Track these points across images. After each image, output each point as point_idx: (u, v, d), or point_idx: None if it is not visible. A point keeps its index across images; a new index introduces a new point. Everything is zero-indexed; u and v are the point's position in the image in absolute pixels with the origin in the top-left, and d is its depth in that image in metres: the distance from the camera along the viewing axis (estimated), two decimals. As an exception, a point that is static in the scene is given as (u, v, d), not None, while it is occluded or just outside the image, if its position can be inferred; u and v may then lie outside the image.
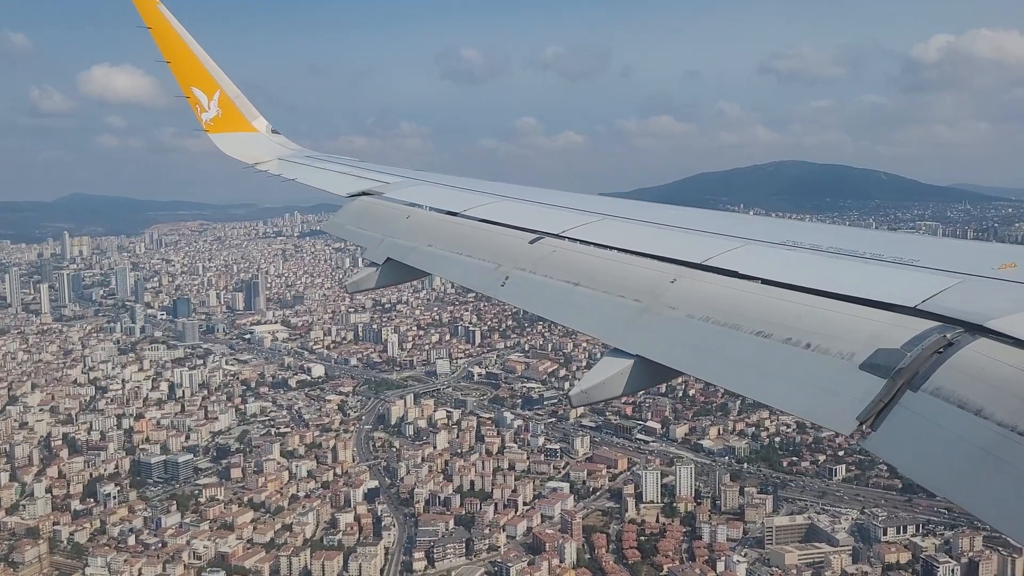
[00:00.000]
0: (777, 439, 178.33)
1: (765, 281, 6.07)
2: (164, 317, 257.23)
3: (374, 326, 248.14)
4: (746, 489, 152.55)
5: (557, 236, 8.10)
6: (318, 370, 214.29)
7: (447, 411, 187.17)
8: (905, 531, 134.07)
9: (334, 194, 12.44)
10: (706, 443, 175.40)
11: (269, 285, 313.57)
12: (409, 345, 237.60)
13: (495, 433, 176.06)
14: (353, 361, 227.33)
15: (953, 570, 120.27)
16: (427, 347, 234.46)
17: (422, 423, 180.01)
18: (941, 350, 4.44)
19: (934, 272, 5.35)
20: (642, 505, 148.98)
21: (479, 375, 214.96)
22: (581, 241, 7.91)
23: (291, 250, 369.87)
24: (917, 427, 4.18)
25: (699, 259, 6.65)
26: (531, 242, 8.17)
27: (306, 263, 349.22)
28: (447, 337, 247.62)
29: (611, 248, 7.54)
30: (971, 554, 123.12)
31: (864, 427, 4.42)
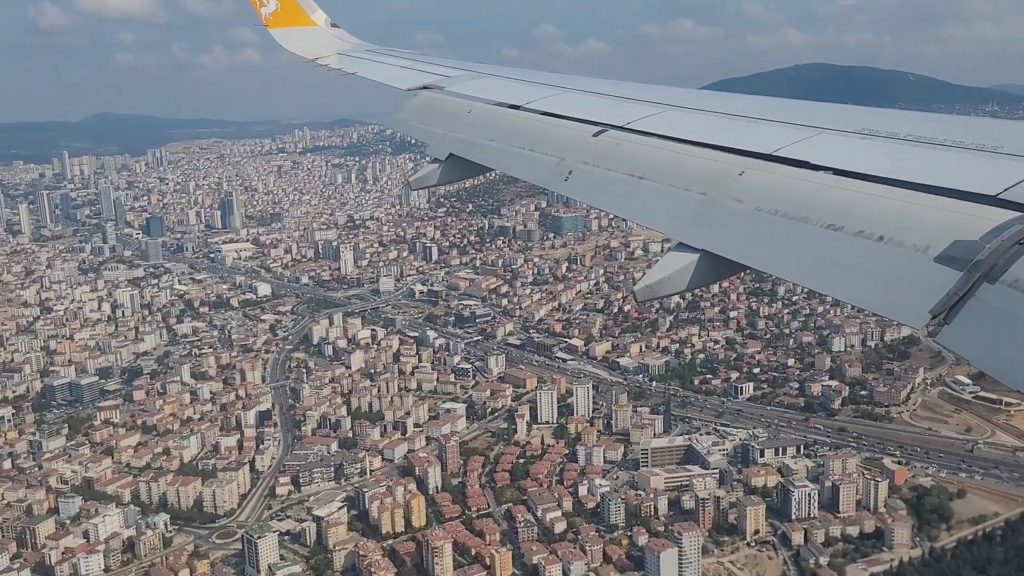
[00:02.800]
0: (701, 356, 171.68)
1: (837, 172, 5.70)
2: (138, 236, 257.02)
3: (335, 243, 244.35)
4: (640, 409, 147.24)
5: (621, 128, 7.84)
6: (265, 289, 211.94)
7: (372, 330, 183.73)
8: (784, 453, 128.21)
9: (395, 87, 12.21)
10: (624, 361, 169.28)
11: (255, 202, 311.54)
12: (365, 262, 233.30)
13: (413, 353, 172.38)
14: (304, 279, 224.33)
15: (810, 494, 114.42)
16: (381, 265, 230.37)
17: (342, 343, 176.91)
18: (1023, 241, 4.18)
19: (1019, 159, 4.98)
20: (536, 427, 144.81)
21: (421, 293, 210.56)
22: (646, 133, 7.62)
23: (288, 167, 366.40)
24: (993, 320, 3.97)
25: (768, 149, 6.35)
26: (595, 135, 7.94)
27: (299, 179, 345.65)
28: (405, 254, 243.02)
29: (677, 140, 7.26)
30: (836, 478, 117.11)
31: (937, 321, 4.17)
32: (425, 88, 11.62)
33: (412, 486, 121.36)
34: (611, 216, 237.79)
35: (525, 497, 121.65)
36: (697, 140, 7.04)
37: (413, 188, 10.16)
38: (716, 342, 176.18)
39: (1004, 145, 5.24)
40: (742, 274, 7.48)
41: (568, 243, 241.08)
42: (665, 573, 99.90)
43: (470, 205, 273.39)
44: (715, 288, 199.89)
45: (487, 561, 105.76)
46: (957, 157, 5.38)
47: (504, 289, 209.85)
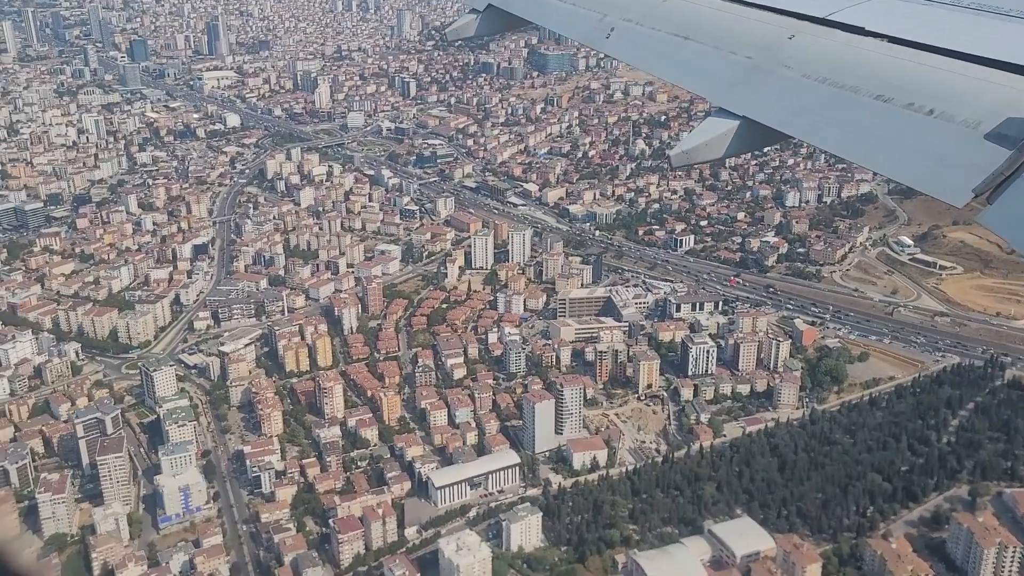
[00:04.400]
0: (656, 206, 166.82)
1: (893, 39, 5.53)
2: (122, 60, 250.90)
3: (314, 75, 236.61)
4: (572, 258, 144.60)
5: None
6: (234, 120, 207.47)
7: (328, 167, 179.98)
8: (701, 308, 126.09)
9: None
10: (574, 208, 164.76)
11: (248, 28, 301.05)
12: (341, 96, 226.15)
13: (365, 192, 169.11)
14: (277, 111, 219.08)
15: (709, 351, 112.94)
16: (357, 99, 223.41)
17: (295, 179, 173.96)
18: None
19: None
20: (468, 272, 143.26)
21: (388, 130, 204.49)
22: None
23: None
24: None
25: (822, 13, 6.17)
26: None
27: (298, 5, 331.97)
28: (383, 88, 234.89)
29: None
30: (740, 336, 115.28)
31: (979, 200, 4.09)
32: None
33: (323, 326, 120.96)
34: (600, 56, 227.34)
35: (435, 343, 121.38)
36: (746, 0, 6.84)
37: (449, 39, 9.23)
38: (674, 192, 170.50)
39: None
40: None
41: (549, 83, 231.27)
42: (541, 424, 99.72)
43: (459, 39, 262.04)
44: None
45: (377, 403, 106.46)
46: (1022, 28, 5.01)
47: (472, 129, 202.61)
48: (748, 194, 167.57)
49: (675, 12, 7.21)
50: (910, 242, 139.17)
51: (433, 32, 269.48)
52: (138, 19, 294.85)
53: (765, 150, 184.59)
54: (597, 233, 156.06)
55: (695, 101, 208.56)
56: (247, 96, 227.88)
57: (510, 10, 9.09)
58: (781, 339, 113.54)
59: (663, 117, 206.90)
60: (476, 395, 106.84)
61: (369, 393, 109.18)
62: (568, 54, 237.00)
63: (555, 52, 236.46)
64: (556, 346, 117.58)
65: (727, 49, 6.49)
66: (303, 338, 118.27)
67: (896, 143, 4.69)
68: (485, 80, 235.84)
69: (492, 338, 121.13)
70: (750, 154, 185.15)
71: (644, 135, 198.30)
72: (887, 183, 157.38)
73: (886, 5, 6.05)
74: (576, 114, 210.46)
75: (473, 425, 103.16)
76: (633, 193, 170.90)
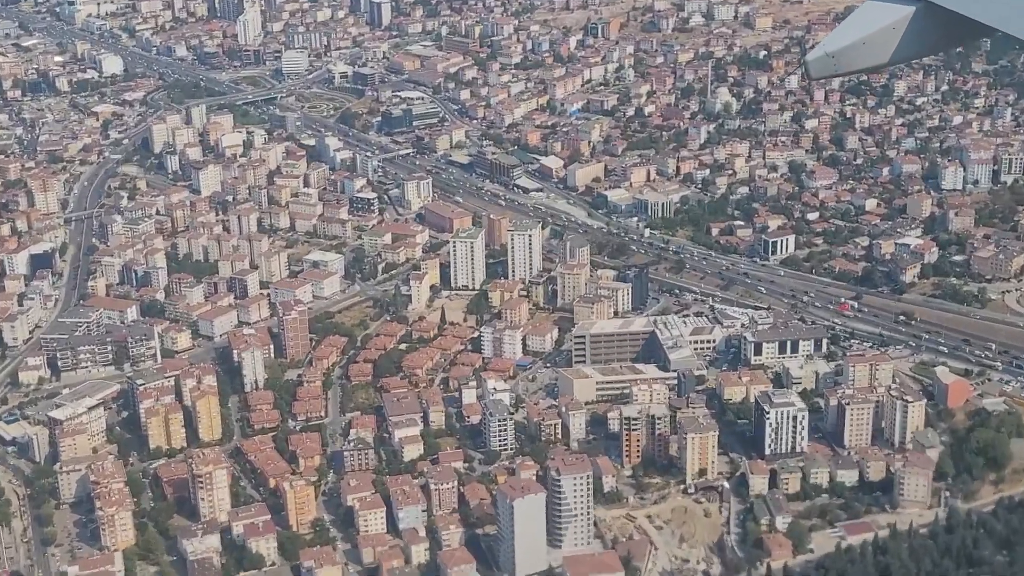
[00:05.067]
0: (742, 189, 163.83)
1: None
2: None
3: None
4: (602, 272, 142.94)
5: None
6: (115, 65, 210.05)
7: (248, 134, 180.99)
8: (794, 350, 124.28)
9: None
10: (615, 194, 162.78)
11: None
12: (278, 27, 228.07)
13: (298, 172, 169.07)
14: (180, 51, 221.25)
15: (797, 417, 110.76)
16: (302, 30, 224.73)
17: (195, 152, 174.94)
18: None
19: None
20: (446, 293, 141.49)
21: (344, 77, 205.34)
22: None
23: None
24: None
25: None
26: None
27: None
28: (342, 14, 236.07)
29: None
30: (846, 395, 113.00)
31: None
32: None
33: (211, 380, 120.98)
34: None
35: (381, 404, 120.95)
36: None
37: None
38: (773, 168, 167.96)
39: None
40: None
41: (591, 1, 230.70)
42: (525, 532, 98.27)
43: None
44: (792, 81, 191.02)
45: (281, 498, 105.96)
46: None
47: (471, 75, 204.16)
48: (886, 170, 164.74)
49: None
50: None
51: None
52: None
53: (919, 100, 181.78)
54: (648, 233, 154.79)
55: (812, 27, 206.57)
56: (138, 29, 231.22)
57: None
58: (912, 398, 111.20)
59: (763, 53, 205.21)
60: (433, 486, 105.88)
61: (272, 483, 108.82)
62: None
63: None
64: (564, 408, 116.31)
65: None
66: (179, 398, 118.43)
67: None
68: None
69: (468, 397, 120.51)
70: (895, 107, 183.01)
71: (732, 81, 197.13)
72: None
73: None
74: (630, 50, 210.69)
75: (423, 534, 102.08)
76: (708, 171, 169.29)
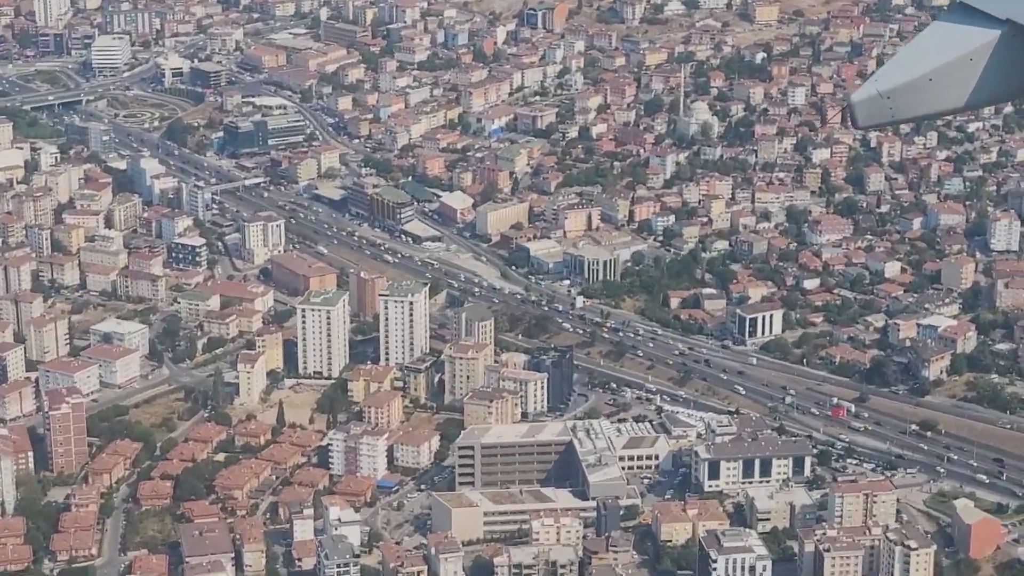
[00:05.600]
0: (720, 245, 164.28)
1: None
2: None
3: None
4: (509, 356, 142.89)
5: None
6: None
7: (34, 151, 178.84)
8: (765, 472, 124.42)
9: None
10: (541, 248, 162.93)
11: None
12: (94, 2, 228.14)
13: (96, 207, 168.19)
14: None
15: (756, 569, 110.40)
16: (125, 7, 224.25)
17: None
18: None
19: None
20: (291, 381, 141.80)
21: (177, 74, 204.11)
22: None
23: None
24: None
25: None
26: None
27: None
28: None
29: None
30: (826, 537, 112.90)
31: None
32: None
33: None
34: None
35: (178, 539, 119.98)
36: None
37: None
38: (765, 215, 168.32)
39: None
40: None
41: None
42: None
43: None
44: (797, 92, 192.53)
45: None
46: None
47: (356, 76, 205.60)
48: (918, 222, 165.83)
49: None
50: None
51: None
52: None
53: (972, 127, 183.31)
54: (581, 303, 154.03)
55: (832, 23, 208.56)
56: None
57: None
58: (917, 544, 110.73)
59: (762, 56, 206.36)
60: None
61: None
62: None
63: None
64: (434, 550, 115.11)
65: None
66: None
67: None
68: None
69: (303, 531, 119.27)
70: (934, 136, 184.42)
71: (715, 93, 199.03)
72: None
73: None
74: (580, 47, 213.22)
75: None
76: (674, 217, 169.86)
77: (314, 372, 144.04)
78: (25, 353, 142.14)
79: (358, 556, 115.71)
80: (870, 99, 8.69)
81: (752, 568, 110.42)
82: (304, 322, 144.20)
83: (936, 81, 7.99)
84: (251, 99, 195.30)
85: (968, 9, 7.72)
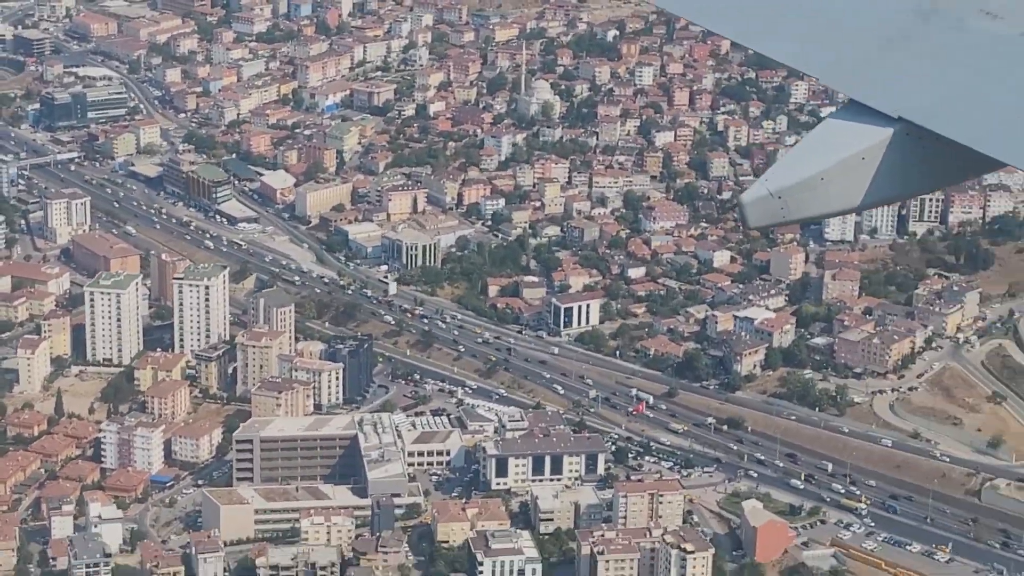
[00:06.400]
0: (551, 230, 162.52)
1: None
2: None
3: None
4: (304, 344, 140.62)
5: None
6: None
7: None
8: (556, 470, 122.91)
9: None
10: (360, 231, 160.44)
11: None
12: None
13: None
14: None
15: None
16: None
17: None
18: None
19: None
20: (79, 367, 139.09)
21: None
22: None
23: None
24: None
25: None
26: None
27: None
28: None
29: None
30: (603, 539, 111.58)
31: None
32: None
33: None
34: None
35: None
36: None
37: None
38: (601, 200, 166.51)
39: None
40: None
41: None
42: None
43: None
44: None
45: None
46: None
47: (188, 46, 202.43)
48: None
49: None
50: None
51: None
52: None
53: (820, 109, 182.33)
54: (394, 288, 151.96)
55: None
56: None
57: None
58: (694, 546, 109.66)
59: (613, 34, 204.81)
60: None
61: None
62: None
63: None
64: (195, 550, 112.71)
65: None
66: None
67: None
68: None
69: (62, 529, 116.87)
70: (784, 120, 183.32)
71: (560, 72, 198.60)
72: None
73: None
74: (428, 21, 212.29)
75: None
76: (504, 201, 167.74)
77: (103, 359, 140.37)
78: None
79: (109, 556, 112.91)
80: (760, 199, 8.42)
81: (521, 571, 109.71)
82: (93, 306, 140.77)
83: (828, 181, 7.94)
84: (73, 70, 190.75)
85: (860, 107, 7.80)
